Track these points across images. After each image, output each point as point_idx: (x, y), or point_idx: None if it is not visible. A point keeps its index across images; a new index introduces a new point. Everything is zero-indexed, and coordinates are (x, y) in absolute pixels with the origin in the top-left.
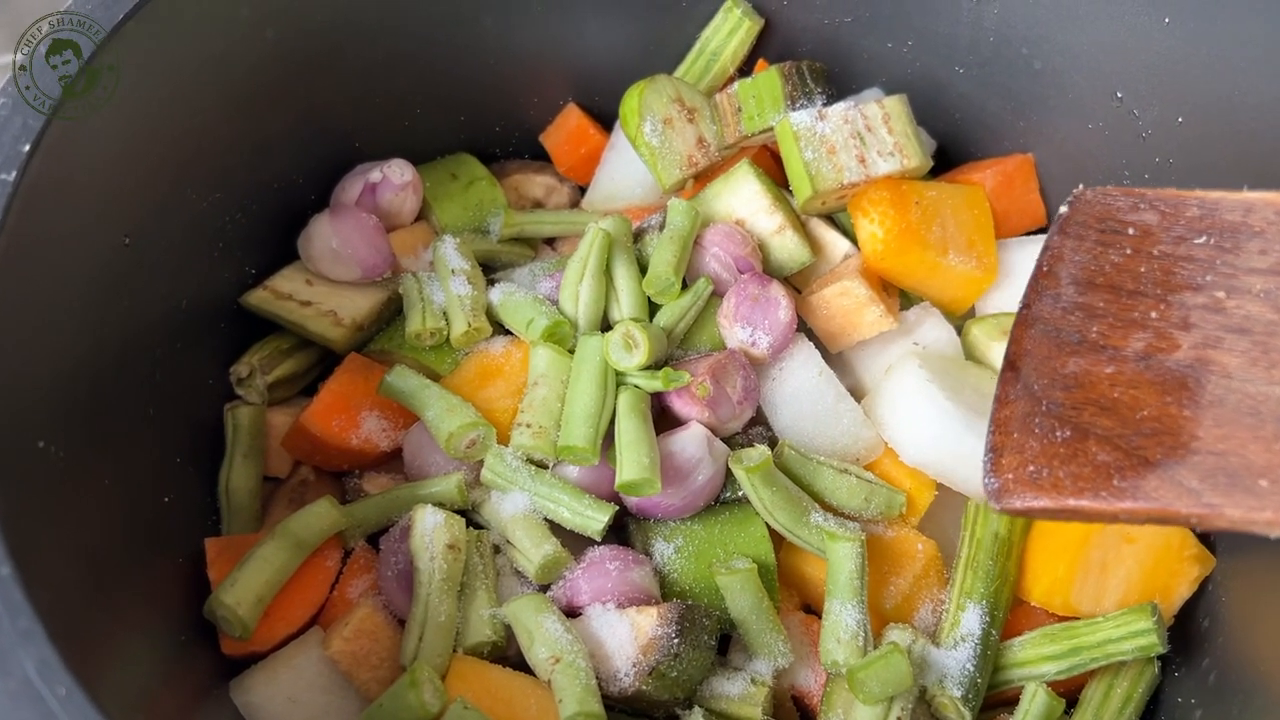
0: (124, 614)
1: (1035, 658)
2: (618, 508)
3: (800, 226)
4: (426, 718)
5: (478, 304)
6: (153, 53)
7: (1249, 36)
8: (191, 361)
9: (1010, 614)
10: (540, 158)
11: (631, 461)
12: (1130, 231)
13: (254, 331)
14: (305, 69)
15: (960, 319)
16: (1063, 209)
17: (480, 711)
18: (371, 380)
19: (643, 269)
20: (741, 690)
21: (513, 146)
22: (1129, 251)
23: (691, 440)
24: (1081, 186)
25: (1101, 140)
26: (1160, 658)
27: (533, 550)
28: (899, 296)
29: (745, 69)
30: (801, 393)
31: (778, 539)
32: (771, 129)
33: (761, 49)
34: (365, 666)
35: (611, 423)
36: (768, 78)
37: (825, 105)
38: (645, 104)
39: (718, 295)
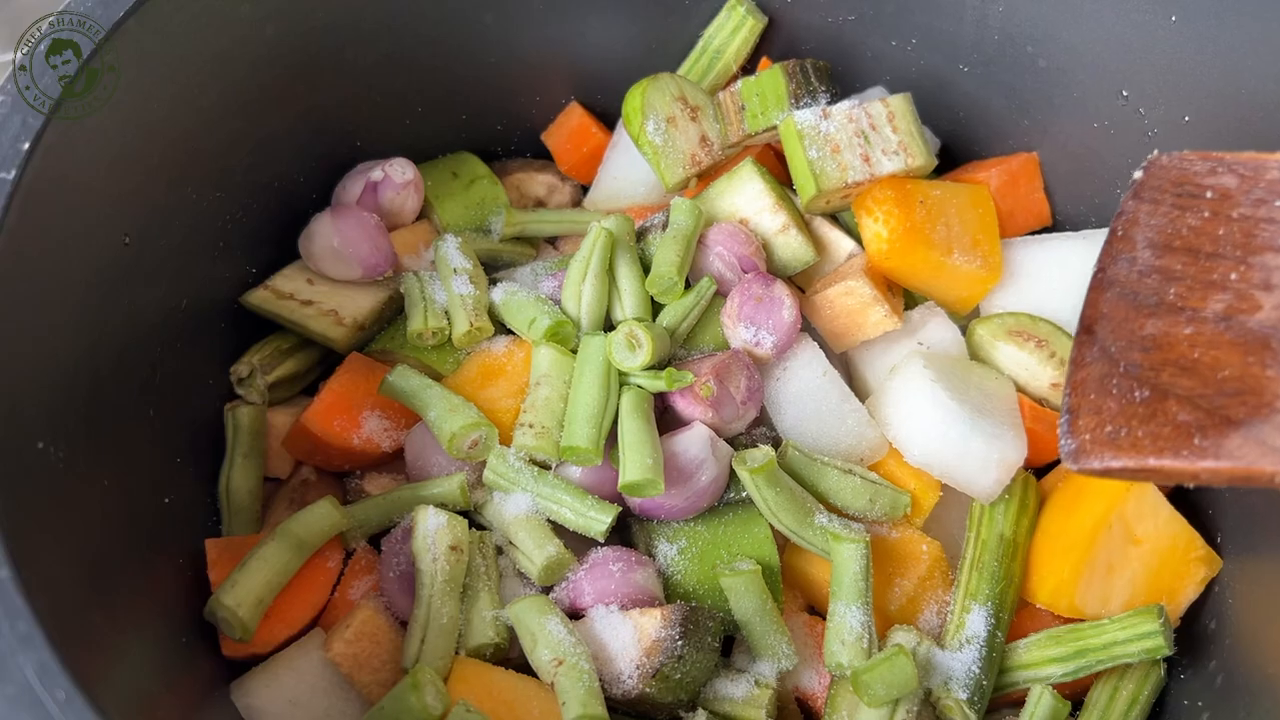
0: (124, 616)
1: (1040, 660)
2: (621, 509)
3: (804, 226)
4: None
5: (480, 303)
6: (153, 51)
7: (1256, 34)
8: (192, 361)
9: (1015, 616)
10: (542, 156)
11: (635, 462)
12: (1208, 195)
13: (254, 331)
14: (306, 67)
15: (965, 319)
16: (1137, 174)
17: (483, 714)
18: (373, 380)
19: (645, 268)
20: (745, 692)
21: (514, 145)
22: (1207, 214)
23: (695, 441)
24: (1156, 152)
25: (1107, 139)
26: (1166, 660)
27: (535, 551)
28: (903, 296)
29: (748, 67)
30: (805, 393)
31: (782, 540)
32: (775, 128)
33: (765, 47)
34: (367, 669)
35: (614, 423)
36: (771, 76)
37: (829, 104)
38: (648, 102)
39: (721, 295)
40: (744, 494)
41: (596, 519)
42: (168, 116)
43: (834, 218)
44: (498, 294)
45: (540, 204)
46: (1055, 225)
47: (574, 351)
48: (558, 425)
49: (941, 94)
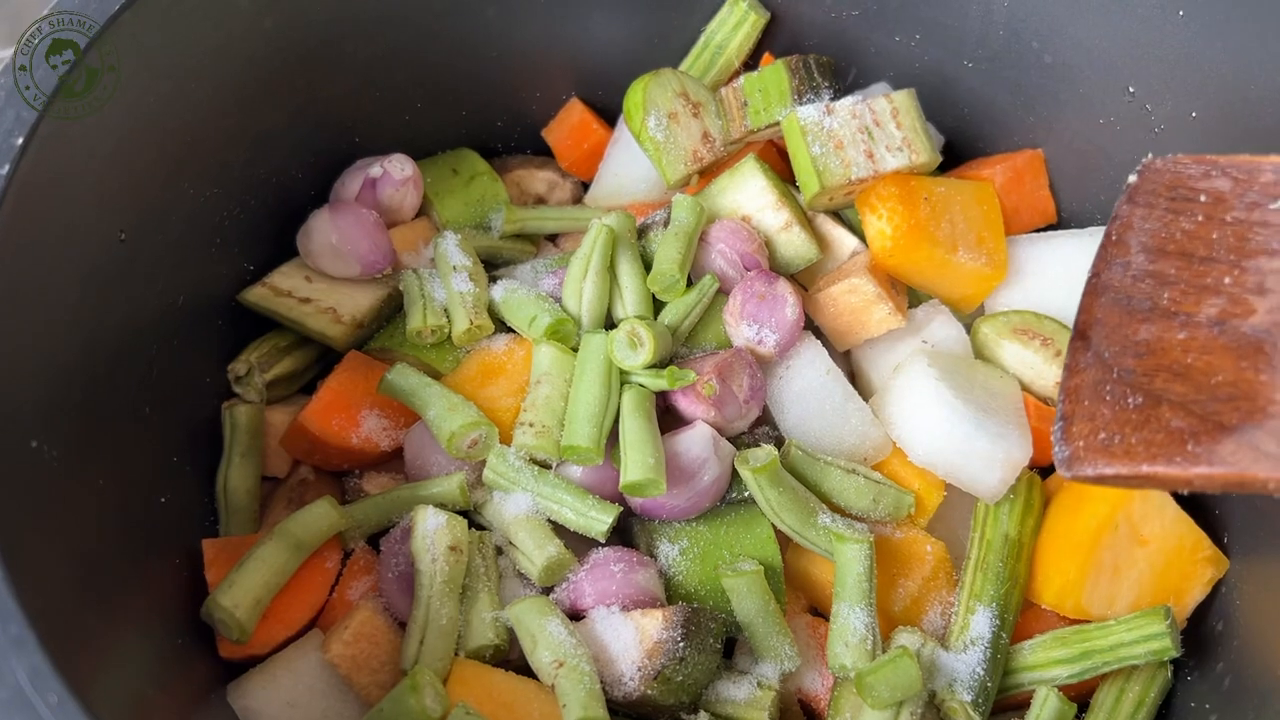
0: (119, 617)
1: (1046, 661)
2: (622, 509)
3: (807, 223)
4: None
5: (479, 301)
6: (150, 46)
7: (1264, 30)
8: (188, 359)
9: (1021, 617)
10: (543, 153)
11: (636, 462)
12: (1202, 198)
13: (252, 329)
14: (304, 62)
15: (969, 317)
16: (1131, 178)
17: (482, 716)
18: (372, 378)
19: (647, 266)
20: (748, 694)
21: (515, 141)
22: (1201, 218)
23: (697, 440)
24: (1151, 155)
25: (1113, 135)
26: (1173, 662)
27: (536, 552)
28: (907, 294)
29: (751, 63)
30: (809, 392)
31: (784, 540)
32: (778, 124)
33: (767, 43)
34: (365, 670)
35: (616, 422)
36: (774, 72)
37: (832, 100)
38: (650, 98)
39: (723, 292)
40: (746, 494)
41: (597, 519)
42: (165, 111)
43: (837, 215)
44: (498, 291)
45: (541, 201)
46: (1060, 223)
47: (575, 350)
48: (558, 424)
49: (946, 90)
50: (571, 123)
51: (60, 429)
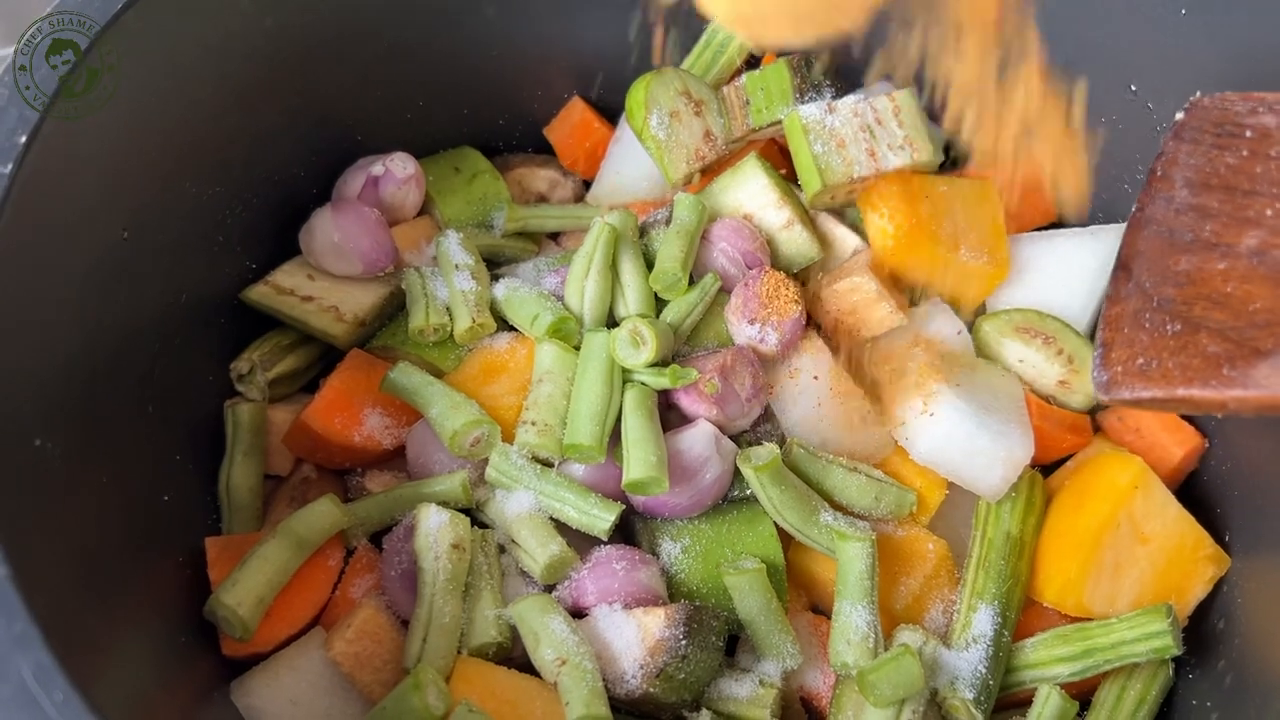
0: (122, 616)
1: (1048, 659)
2: (624, 507)
3: (809, 221)
4: None
5: (482, 299)
6: (151, 45)
7: (1266, 27)
8: (191, 358)
9: (1022, 615)
10: (544, 151)
11: (639, 460)
12: (1248, 134)
13: (254, 327)
14: (306, 60)
15: (971, 315)
16: (1179, 115)
17: (485, 714)
18: (374, 377)
19: (649, 264)
20: (750, 692)
21: (516, 140)
22: (1245, 153)
23: (699, 438)
24: (1199, 93)
25: (1115, 134)
26: (1174, 659)
27: (538, 550)
28: (909, 292)
29: (753, 62)
30: (810, 390)
31: (786, 538)
32: (780, 122)
33: None
34: (368, 668)
35: (618, 420)
36: (776, 70)
37: (834, 98)
38: (652, 97)
39: (725, 291)
40: (748, 492)
41: (600, 517)
42: (166, 110)
43: (839, 213)
44: (500, 290)
45: (543, 199)
46: (1062, 221)
47: (577, 348)
48: (560, 423)
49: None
50: (573, 121)
51: (63, 427)
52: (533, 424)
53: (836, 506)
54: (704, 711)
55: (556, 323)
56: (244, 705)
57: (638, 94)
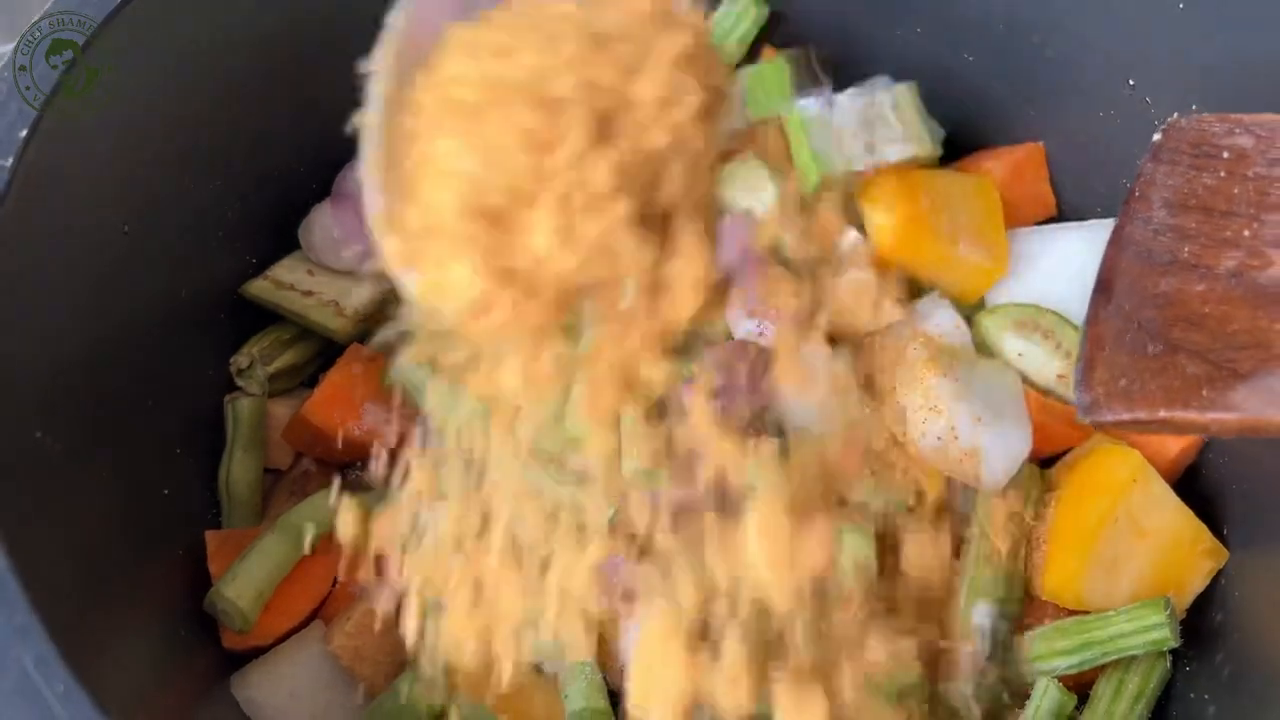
0: (123, 608)
1: (1046, 652)
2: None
3: (808, 215)
4: (431, 714)
5: None
6: (150, 42)
7: (1265, 20)
8: (191, 352)
9: (1021, 608)
10: None
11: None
12: (1225, 155)
13: (254, 322)
14: (306, 55)
15: (971, 310)
16: (1156, 136)
17: (484, 707)
18: (374, 371)
19: None
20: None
21: None
22: (1223, 174)
23: (698, 429)
24: (1176, 115)
25: (1114, 129)
26: (1172, 652)
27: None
28: (908, 287)
29: (752, 56)
30: (809, 383)
31: None
32: (779, 117)
33: (768, 36)
34: (368, 661)
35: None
36: (775, 65)
37: (833, 93)
38: None
39: (724, 285)
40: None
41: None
42: (166, 107)
43: (838, 208)
44: None
45: None
46: (1061, 215)
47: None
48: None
49: (947, 83)
50: None
51: (63, 421)
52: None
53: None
54: (703, 705)
55: None
56: (244, 698)
57: None
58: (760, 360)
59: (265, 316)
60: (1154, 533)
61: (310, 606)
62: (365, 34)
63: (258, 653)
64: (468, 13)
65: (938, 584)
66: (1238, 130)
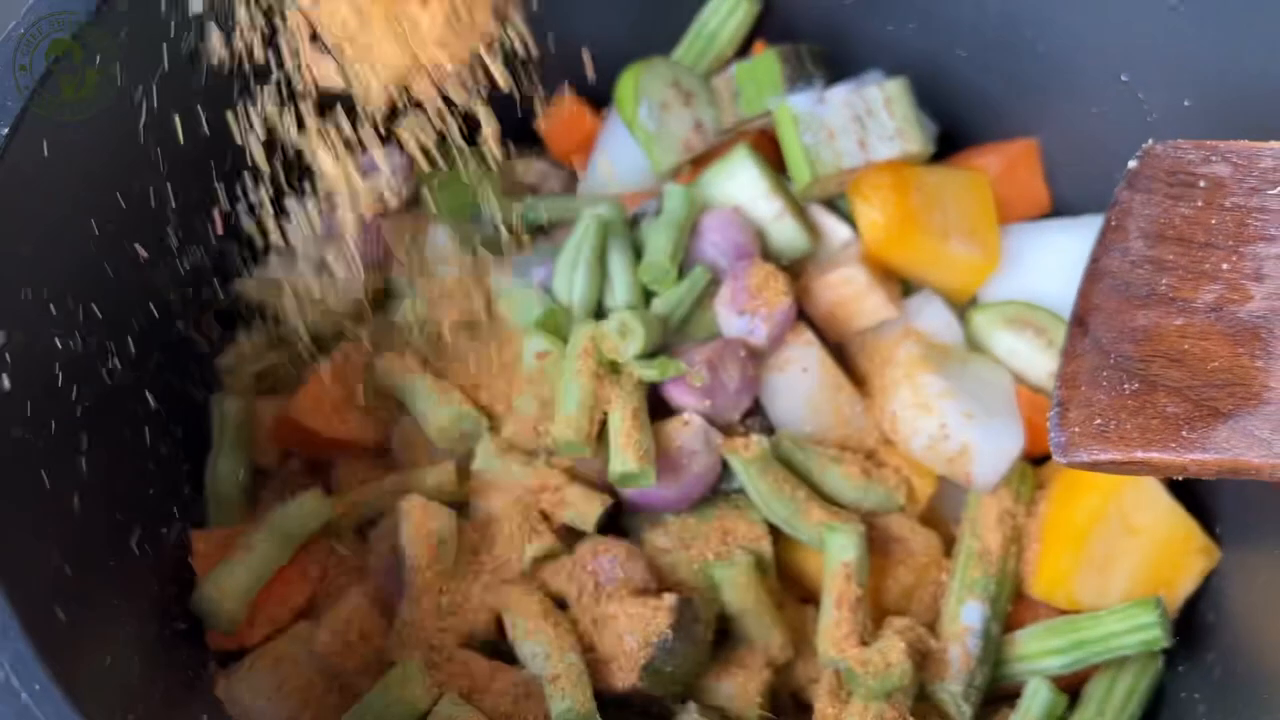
0: (105, 608)
1: (1037, 652)
2: (612, 500)
3: (799, 212)
4: (416, 713)
5: (469, 292)
6: (141, 38)
7: (1258, 16)
8: (177, 351)
9: (1012, 607)
10: (534, 143)
11: (626, 452)
12: (1201, 184)
13: (242, 320)
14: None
15: (963, 307)
16: (1131, 164)
17: (470, 706)
18: (361, 370)
19: (639, 256)
20: (738, 686)
21: (506, 132)
22: (1200, 204)
23: (687, 430)
24: (1151, 141)
25: (1106, 124)
26: (1164, 652)
27: (525, 543)
28: (900, 284)
29: (743, 52)
30: (800, 382)
31: (776, 531)
32: (770, 113)
33: (760, 31)
34: (353, 660)
35: (605, 413)
36: (766, 60)
37: (825, 89)
38: (641, 87)
39: (715, 282)
40: (737, 484)
41: (587, 510)
42: (156, 105)
43: (829, 204)
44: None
45: (532, 191)
46: (1056, 212)
47: (565, 340)
48: (547, 415)
49: (939, 79)
50: (563, 113)
51: (45, 419)
52: (520, 416)
53: (825, 499)
54: (691, 705)
55: (545, 315)
56: (229, 698)
57: (627, 85)
58: (750, 359)
59: (252, 315)
60: (1146, 531)
61: (296, 606)
62: None
63: (243, 652)
64: None
65: (928, 583)
66: (1214, 158)
